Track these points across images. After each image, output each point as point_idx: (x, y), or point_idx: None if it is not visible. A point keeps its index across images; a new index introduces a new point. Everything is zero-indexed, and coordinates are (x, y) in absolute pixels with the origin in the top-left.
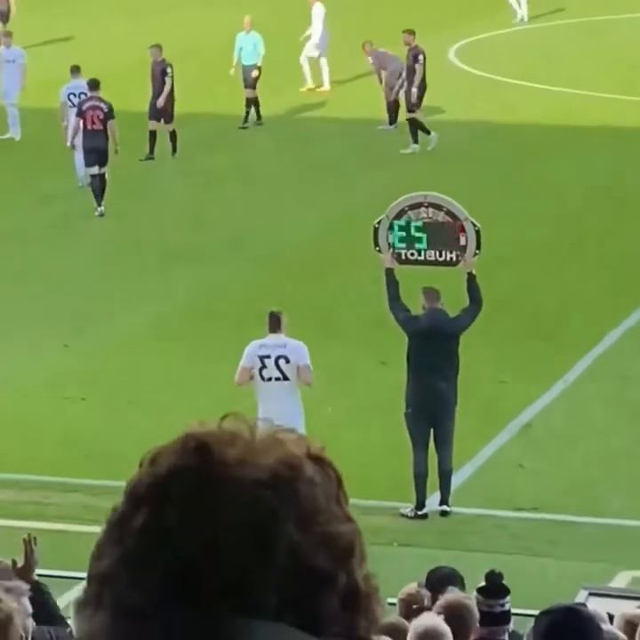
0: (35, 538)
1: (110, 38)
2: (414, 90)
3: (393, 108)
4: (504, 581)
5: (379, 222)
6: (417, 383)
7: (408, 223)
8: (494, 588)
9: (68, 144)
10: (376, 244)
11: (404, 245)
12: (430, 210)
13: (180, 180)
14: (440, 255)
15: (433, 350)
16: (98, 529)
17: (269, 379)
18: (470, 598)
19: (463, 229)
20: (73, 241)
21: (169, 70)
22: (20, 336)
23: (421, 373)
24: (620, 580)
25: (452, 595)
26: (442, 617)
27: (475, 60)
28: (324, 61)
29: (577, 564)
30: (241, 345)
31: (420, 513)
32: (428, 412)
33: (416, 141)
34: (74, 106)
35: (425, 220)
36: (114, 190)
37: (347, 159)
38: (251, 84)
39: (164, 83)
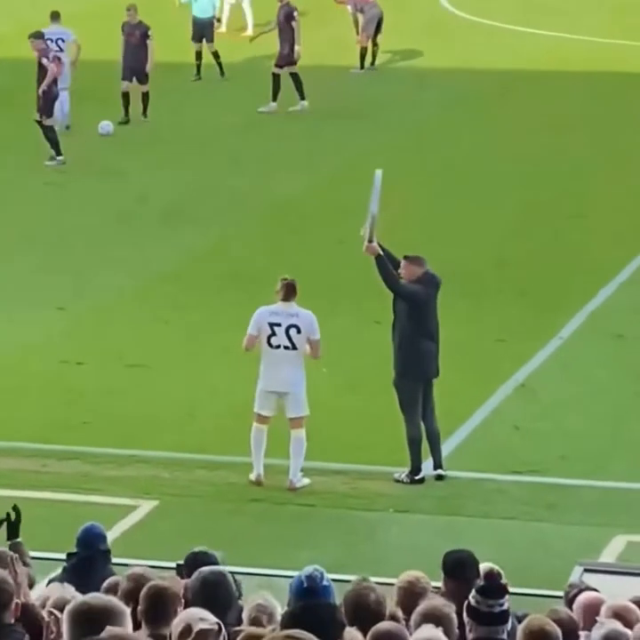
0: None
1: None
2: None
3: (364, 54)
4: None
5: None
6: (416, 348)
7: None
8: (493, 587)
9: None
10: (370, 240)
11: None
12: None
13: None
14: None
15: (431, 314)
16: (98, 498)
17: (278, 346)
18: (450, 606)
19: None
20: (71, 198)
21: (150, 33)
22: (17, 299)
23: (420, 338)
24: (617, 545)
25: (431, 602)
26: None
27: (467, 5)
28: (246, 4)
29: (575, 529)
30: (241, 309)
31: (416, 478)
32: (425, 376)
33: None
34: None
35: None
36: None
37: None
38: (211, 37)
39: (145, 45)
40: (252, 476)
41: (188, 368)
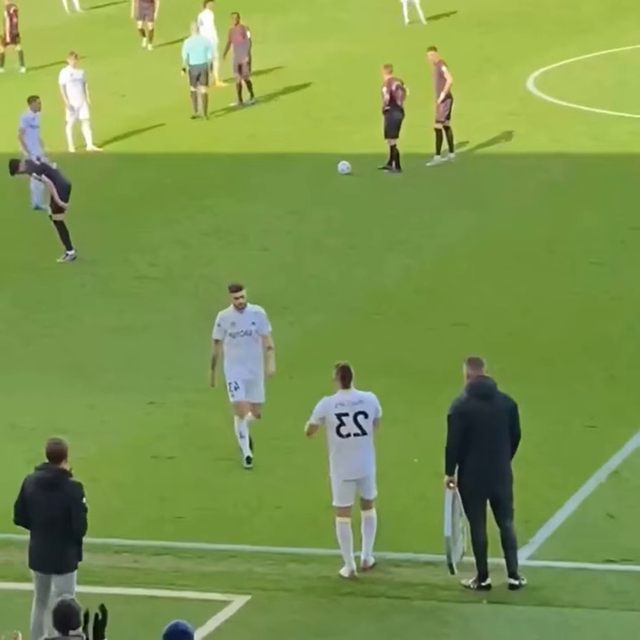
0: None
1: None
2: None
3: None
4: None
5: None
6: (466, 466)
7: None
8: None
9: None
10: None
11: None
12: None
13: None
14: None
15: (482, 431)
16: (190, 593)
17: (348, 434)
18: None
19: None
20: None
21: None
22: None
23: (469, 457)
24: None
25: None
26: None
27: (553, 88)
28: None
29: None
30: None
31: (483, 584)
32: (481, 495)
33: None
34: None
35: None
36: None
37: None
38: (206, 81)
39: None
40: (345, 573)
41: (273, 458)
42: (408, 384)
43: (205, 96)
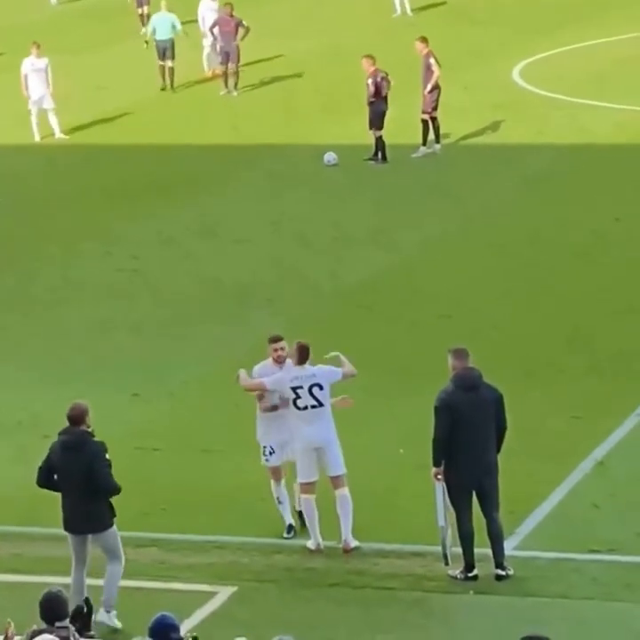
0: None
1: None
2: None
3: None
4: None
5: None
6: (452, 460)
7: None
8: None
9: None
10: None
11: None
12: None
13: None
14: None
15: (466, 425)
16: (176, 585)
17: (305, 407)
18: None
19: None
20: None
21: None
22: (91, 383)
23: (454, 451)
24: None
25: None
26: None
27: (538, 80)
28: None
29: None
30: None
31: (470, 575)
32: (465, 487)
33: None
34: None
35: None
36: None
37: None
38: (172, 55)
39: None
40: (312, 545)
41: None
42: (392, 376)
43: (172, 69)
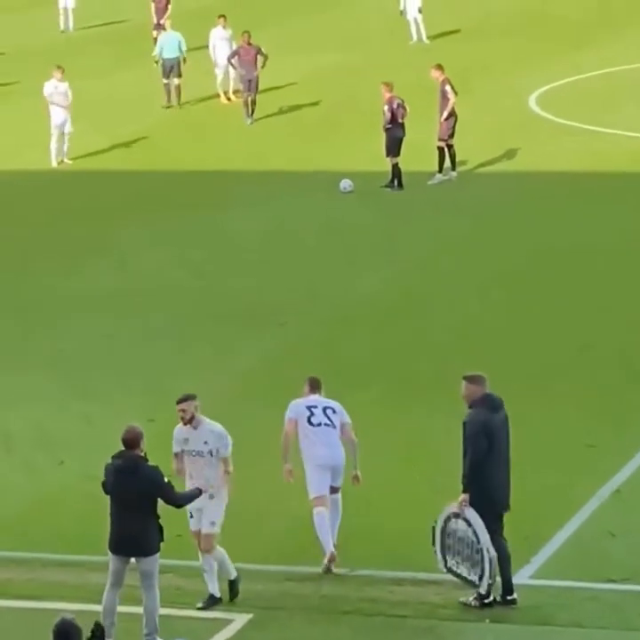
0: None
1: None
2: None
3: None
4: None
5: (435, 522)
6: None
7: (454, 531)
8: None
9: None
10: (433, 543)
11: (449, 554)
12: (462, 523)
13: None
14: (468, 574)
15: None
16: (192, 612)
17: (319, 424)
18: None
19: (482, 553)
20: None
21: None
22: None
23: (489, 468)
24: None
25: None
26: None
27: (555, 106)
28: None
29: None
30: None
31: (486, 601)
32: (494, 509)
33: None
34: None
35: (459, 534)
36: None
37: None
38: (179, 73)
39: None
40: (326, 560)
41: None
42: (401, 391)
43: (178, 87)
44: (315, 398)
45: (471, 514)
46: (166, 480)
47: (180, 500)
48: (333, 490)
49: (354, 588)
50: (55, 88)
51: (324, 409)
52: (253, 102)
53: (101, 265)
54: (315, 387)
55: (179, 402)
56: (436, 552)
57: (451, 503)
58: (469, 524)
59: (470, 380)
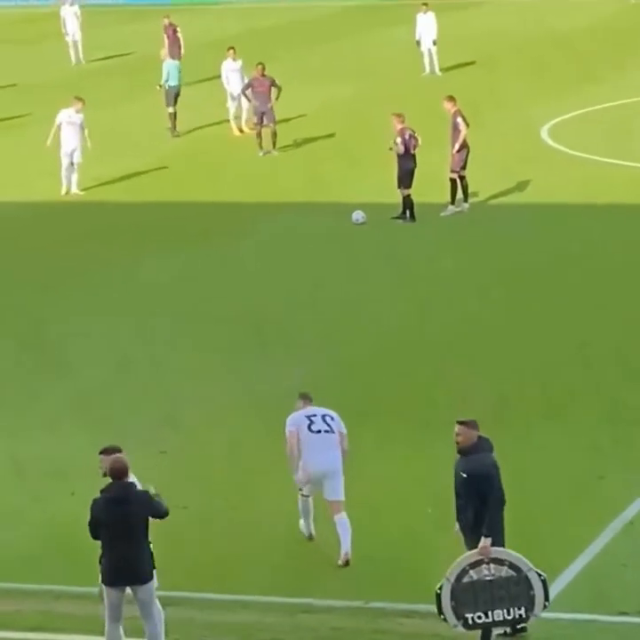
0: None
1: None
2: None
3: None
4: None
5: (440, 587)
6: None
7: (472, 584)
8: None
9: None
10: (440, 612)
11: (469, 610)
12: (492, 566)
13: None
14: (508, 613)
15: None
16: None
17: (319, 431)
18: None
19: (528, 580)
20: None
21: None
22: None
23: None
24: None
25: None
26: None
27: (567, 138)
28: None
29: None
30: None
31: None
32: None
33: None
34: None
35: (488, 578)
36: None
37: None
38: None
39: None
40: (304, 530)
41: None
42: (409, 426)
43: (173, 114)
44: (312, 409)
45: (498, 551)
46: (156, 500)
47: (164, 508)
48: (336, 507)
49: (364, 620)
50: (69, 117)
51: (323, 417)
52: (274, 134)
53: (113, 296)
54: (308, 400)
55: (100, 453)
56: (443, 618)
57: (463, 556)
58: (502, 563)
59: (467, 424)
